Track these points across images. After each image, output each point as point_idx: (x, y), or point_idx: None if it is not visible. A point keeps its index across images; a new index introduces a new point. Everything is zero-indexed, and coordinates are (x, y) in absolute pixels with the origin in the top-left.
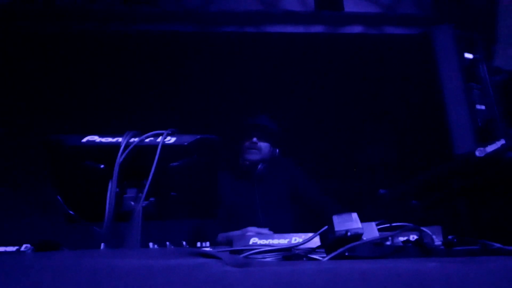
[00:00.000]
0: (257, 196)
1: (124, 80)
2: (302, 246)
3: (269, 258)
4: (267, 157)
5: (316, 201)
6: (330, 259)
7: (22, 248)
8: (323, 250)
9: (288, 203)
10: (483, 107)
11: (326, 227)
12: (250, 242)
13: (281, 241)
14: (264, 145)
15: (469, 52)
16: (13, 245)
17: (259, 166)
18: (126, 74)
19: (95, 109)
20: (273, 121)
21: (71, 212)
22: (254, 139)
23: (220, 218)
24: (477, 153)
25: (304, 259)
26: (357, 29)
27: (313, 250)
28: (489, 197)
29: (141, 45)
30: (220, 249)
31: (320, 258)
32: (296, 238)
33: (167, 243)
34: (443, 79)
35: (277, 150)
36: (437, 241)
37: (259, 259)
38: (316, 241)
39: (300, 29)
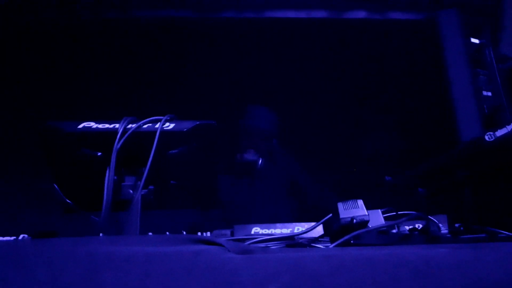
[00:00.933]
0: (257, 191)
1: (121, 66)
2: (305, 235)
3: (272, 247)
4: (265, 152)
5: (312, 192)
6: (335, 246)
7: (20, 238)
8: (326, 239)
9: (287, 195)
10: (489, 93)
11: (329, 215)
12: (252, 232)
13: (284, 230)
14: (262, 143)
15: (475, 37)
16: (11, 236)
17: (259, 164)
18: (123, 60)
19: (92, 95)
20: (270, 115)
21: (68, 201)
22: (247, 141)
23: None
24: (486, 138)
25: (308, 247)
26: (360, 14)
27: (316, 239)
28: (495, 184)
29: (138, 31)
30: (221, 239)
31: (324, 247)
32: (299, 228)
33: (167, 233)
34: (449, 65)
35: (274, 141)
36: (443, 230)
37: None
38: (319, 231)
39: (302, 14)
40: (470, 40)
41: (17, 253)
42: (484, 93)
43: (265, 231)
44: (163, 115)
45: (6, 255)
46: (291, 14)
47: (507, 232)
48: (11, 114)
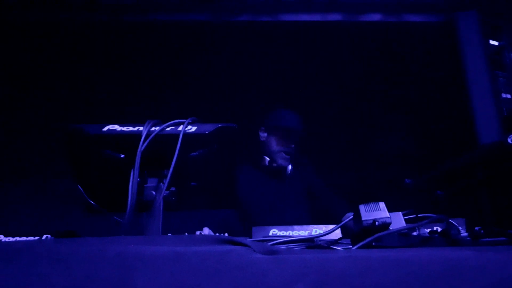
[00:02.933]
0: (284, 194)
1: (143, 69)
2: (324, 238)
3: (294, 248)
4: (292, 156)
5: (325, 199)
6: (357, 248)
7: (43, 238)
8: (345, 242)
9: (307, 200)
10: (508, 95)
11: (350, 218)
12: (270, 233)
13: (301, 232)
14: (293, 147)
15: (494, 39)
16: (34, 236)
17: (289, 169)
18: (146, 64)
19: (116, 98)
20: (298, 117)
21: (91, 202)
22: (293, 146)
23: (243, 213)
24: (509, 140)
25: (328, 249)
26: (375, 17)
27: (336, 242)
28: None
29: (158, 35)
30: (246, 239)
31: (345, 249)
32: (316, 230)
33: (185, 234)
34: (467, 67)
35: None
36: (463, 233)
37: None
38: (336, 233)
39: (316, 17)
40: (489, 42)
41: (51, 251)
42: (503, 95)
43: (283, 233)
44: (185, 118)
45: (41, 252)
46: (306, 17)
47: None
48: (35, 116)
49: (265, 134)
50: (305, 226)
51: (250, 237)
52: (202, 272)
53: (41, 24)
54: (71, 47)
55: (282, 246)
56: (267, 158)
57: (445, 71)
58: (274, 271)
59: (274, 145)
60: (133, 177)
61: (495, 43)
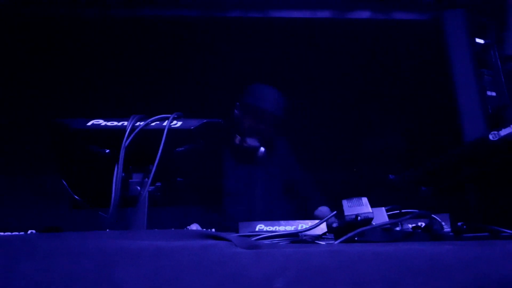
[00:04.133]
0: (253, 179)
1: (129, 64)
2: (309, 233)
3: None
4: (268, 139)
5: (302, 190)
6: (339, 243)
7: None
8: (330, 236)
9: (282, 193)
10: (494, 93)
11: (334, 212)
12: (257, 229)
13: (287, 227)
14: (267, 129)
15: (480, 37)
16: (19, 231)
17: (262, 151)
18: (131, 58)
19: (100, 93)
20: (279, 97)
21: (76, 197)
22: (268, 128)
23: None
24: (490, 137)
25: (312, 244)
26: (365, 14)
27: (320, 237)
28: (498, 183)
29: (145, 30)
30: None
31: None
32: (303, 225)
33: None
34: (453, 65)
35: (278, 127)
36: (446, 228)
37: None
38: (322, 228)
39: (306, 14)
40: (475, 40)
41: (31, 246)
42: (489, 93)
43: (269, 228)
44: (170, 113)
45: (21, 248)
46: (296, 14)
47: (510, 231)
48: (18, 110)
49: (239, 111)
50: (291, 222)
51: (237, 232)
52: (183, 267)
53: (24, 17)
54: (56, 42)
55: (267, 241)
56: (238, 137)
57: (431, 68)
58: (255, 265)
59: (246, 124)
60: (117, 172)
61: (481, 41)
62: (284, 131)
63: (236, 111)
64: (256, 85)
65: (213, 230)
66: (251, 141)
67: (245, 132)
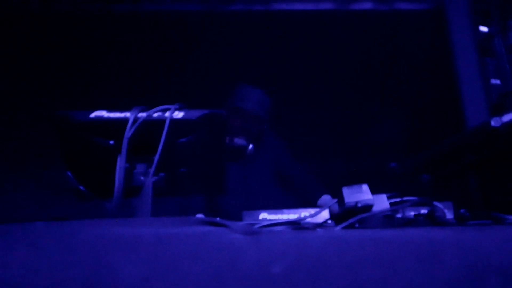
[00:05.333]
0: (245, 177)
1: (131, 56)
2: (310, 220)
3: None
4: (255, 136)
5: (301, 181)
6: (339, 229)
7: None
8: (332, 224)
9: (275, 184)
10: (498, 81)
11: (335, 200)
12: (260, 217)
13: (291, 216)
14: (253, 129)
15: (484, 25)
16: (23, 222)
17: (249, 149)
18: (133, 51)
19: (102, 84)
20: (263, 97)
21: (81, 188)
22: (254, 128)
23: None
24: (492, 123)
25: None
26: (367, 5)
27: (321, 224)
28: (501, 170)
29: (147, 23)
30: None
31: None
32: (306, 213)
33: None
34: (457, 54)
35: (265, 126)
36: (449, 215)
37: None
38: (324, 216)
39: (309, 6)
40: (478, 28)
41: (29, 234)
42: (493, 81)
43: (273, 216)
44: (173, 104)
45: (19, 236)
46: (298, 6)
47: None
48: (22, 103)
49: (226, 112)
50: (294, 210)
51: (241, 221)
52: (180, 253)
53: (25, 12)
54: (59, 35)
55: (268, 229)
56: (227, 138)
57: (435, 57)
58: (252, 251)
59: (233, 124)
60: (120, 162)
61: (485, 29)
62: (281, 124)
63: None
64: (241, 87)
65: (218, 219)
66: (239, 141)
67: (233, 132)
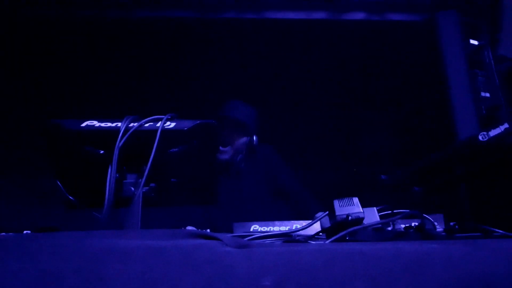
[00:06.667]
0: (238, 191)
1: (123, 65)
2: (303, 233)
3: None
4: (243, 150)
5: (293, 192)
6: (330, 242)
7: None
8: (323, 236)
9: (270, 195)
10: (487, 94)
11: (326, 212)
12: (251, 229)
13: (282, 228)
14: (238, 141)
15: (474, 38)
16: (14, 231)
17: (237, 164)
18: (125, 60)
19: (94, 93)
20: (249, 109)
21: (70, 197)
22: (242, 140)
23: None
24: (480, 137)
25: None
26: (359, 15)
27: (313, 237)
28: (490, 184)
29: (139, 31)
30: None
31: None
32: (297, 225)
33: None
34: (447, 66)
35: (255, 138)
36: (439, 228)
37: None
38: (316, 228)
39: (301, 15)
40: (469, 41)
41: (20, 246)
42: (482, 94)
43: (264, 228)
44: (164, 114)
45: (10, 248)
46: (291, 15)
47: (502, 231)
48: (13, 111)
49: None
50: (286, 222)
51: (232, 233)
52: (172, 266)
53: (19, 18)
54: (50, 42)
55: (259, 241)
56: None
57: (425, 69)
58: (243, 264)
59: (222, 137)
60: (111, 172)
61: (475, 42)
62: (272, 135)
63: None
64: (230, 101)
65: (208, 230)
66: (223, 155)
67: (222, 143)
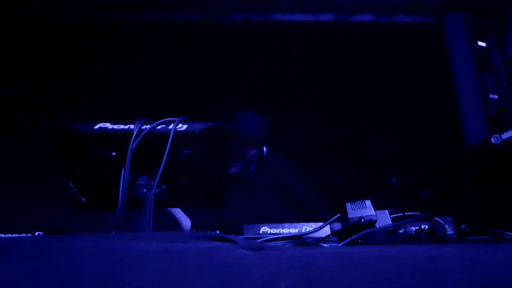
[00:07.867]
0: (249, 195)
1: (135, 68)
2: (312, 235)
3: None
4: (253, 163)
5: (303, 197)
6: (343, 245)
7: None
8: (334, 239)
9: (278, 195)
10: (496, 96)
11: (337, 215)
12: (261, 231)
13: (291, 230)
14: (248, 154)
15: (482, 40)
16: (26, 233)
17: (248, 175)
18: (137, 62)
19: (106, 96)
20: (259, 120)
21: (83, 199)
22: (251, 153)
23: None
24: (492, 140)
25: (316, 246)
26: (367, 17)
27: (324, 239)
28: (501, 186)
29: (150, 33)
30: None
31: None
32: (306, 227)
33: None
34: (455, 68)
35: (265, 148)
36: (449, 231)
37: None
38: (326, 231)
39: (309, 17)
40: (477, 43)
41: (37, 248)
42: (491, 95)
43: (274, 230)
44: (174, 116)
45: (26, 250)
46: (299, 17)
47: None
48: (26, 114)
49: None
50: (295, 224)
51: (242, 235)
52: (189, 269)
53: (30, 22)
54: (62, 46)
55: (271, 243)
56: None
57: (433, 71)
58: (260, 267)
59: (232, 151)
60: (124, 174)
61: (483, 44)
62: (282, 138)
63: None
64: (239, 112)
65: (217, 232)
66: (233, 169)
67: (232, 156)
